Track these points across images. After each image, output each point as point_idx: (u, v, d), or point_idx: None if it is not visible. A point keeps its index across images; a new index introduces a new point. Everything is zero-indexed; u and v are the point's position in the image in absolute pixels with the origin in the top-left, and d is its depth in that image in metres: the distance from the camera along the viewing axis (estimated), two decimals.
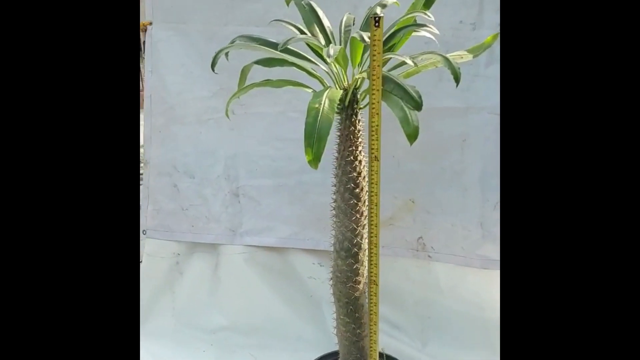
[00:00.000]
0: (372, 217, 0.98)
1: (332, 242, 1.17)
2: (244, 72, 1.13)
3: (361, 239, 1.12)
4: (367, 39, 0.89)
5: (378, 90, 0.91)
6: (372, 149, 0.93)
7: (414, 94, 0.88)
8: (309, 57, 1.08)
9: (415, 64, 0.91)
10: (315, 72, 1.07)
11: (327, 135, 0.91)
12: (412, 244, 1.61)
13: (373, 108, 0.92)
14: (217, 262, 1.67)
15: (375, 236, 1.03)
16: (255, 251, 1.65)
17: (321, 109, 0.91)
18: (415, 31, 1.01)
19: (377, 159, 0.94)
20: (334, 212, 1.15)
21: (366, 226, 1.07)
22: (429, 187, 1.55)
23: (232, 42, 1.12)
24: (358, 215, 1.10)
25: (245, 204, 1.65)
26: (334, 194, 1.14)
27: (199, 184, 1.64)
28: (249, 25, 1.55)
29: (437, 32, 0.97)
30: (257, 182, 1.63)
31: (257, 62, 1.10)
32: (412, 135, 0.86)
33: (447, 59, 0.91)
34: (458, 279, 1.59)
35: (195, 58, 1.60)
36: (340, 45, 1.08)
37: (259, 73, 1.11)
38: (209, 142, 1.62)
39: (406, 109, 0.87)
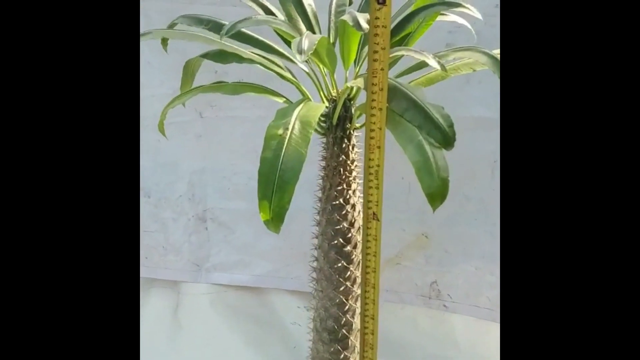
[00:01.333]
0: (367, 293, 0.62)
1: (311, 316, 0.82)
2: (188, 69, 0.78)
3: (352, 317, 0.78)
4: (364, 25, 0.53)
5: (381, 109, 0.55)
6: (370, 202, 0.58)
7: (440, 121, 0.52)
8: (283, 50, 0.72)
9: (443, 67, 0.55)
10: (288, 75, 0.72)
11: (295, 181, 0.56)
12: (423, 289, 1.27)
13: (372, 138, 0.56)
14: (177, 304, 1.34)
15: (372, 319, 0.67)
16: (225, 291, 1.33)
17: (287, 137, 0.56)
18: (442, 13, 0.65)
19: (376, 217, 0.58)
20: (314, 275, 0.80)
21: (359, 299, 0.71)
22: (447, 219, 1.21)
23: (172, 25, 0.77)
24: (349, 284, 0.75)
25: (213, 232, 1.31)
26: (315, 248, 0.79)
27: (155, 205, 1.31)
28: (223, 5, 1.19)
29: (478, 15, 0.61)
30: (230, 204, 1.29)
31: (206, 56, 0.74)
32: (437, 195, 0.51)
33: (496, 60, 0.55)
34: (480, 335, 1.26)
35: (153, 44, 1.24)
36: (328, 33, 0.71)
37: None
38: (170, 153, 1.28)
39: (427, 147, 0.52)
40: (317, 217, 0.78)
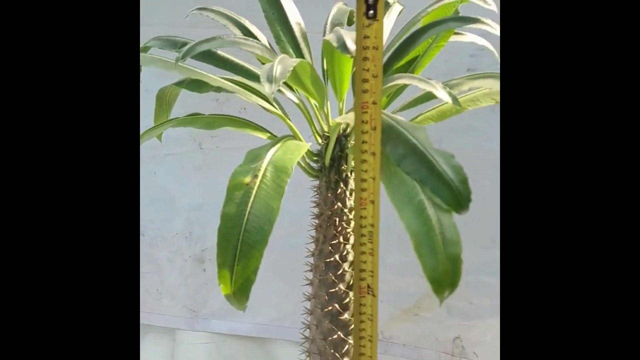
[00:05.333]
0: None
1: None
2: (162, 98, 0.67)
3: None
4: (351, 46, 0.41)
5: (374, 154, 0.43)
6: (362, 271, 0.45)
7: (449, 174, 0.39)
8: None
9: (455, 100, 0.43)
10: (272, 108, 0.60)
11: (263, 245, 0.44)
12: (445, 345, 1.12)
13: (363, 190, 0.43)
14: (172, 354, 1.22)
15: None
16: (224, 341, 1.20)
17: (255, 187, 0.44)
18: (457, 32, 0.52)
19: (372, 292, 0.45)
20: (306, 346, 0.67)
21: None
22: (473, 266, 1.06)
23: (144, 48, 0.67)
24: None
25: (212, 274, 1.19)
26: (309, 314, 0.66)
27: (149, 244, 1.20)
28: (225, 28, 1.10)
29: (497, 31, 0.48)
30: None
31: (181, 84, 0.64)
32: (444, 282, 0.38)
33: None
34: None
35: (150, 69, 1.16)
36: (322, 58, 0.60)
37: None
38: (167, 187, 1.18)
39: (430, 211, 0.39)
40: (310, 276, 0.65)
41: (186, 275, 1.20)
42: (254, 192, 0.44)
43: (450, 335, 1.11)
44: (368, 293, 0.45)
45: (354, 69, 0.51)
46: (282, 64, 0.42)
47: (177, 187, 1.19)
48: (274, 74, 0.42)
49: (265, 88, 0.41)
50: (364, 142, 0.42)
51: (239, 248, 0.43)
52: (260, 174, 0.44)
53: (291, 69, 0.42)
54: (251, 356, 1.20)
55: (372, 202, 0.44)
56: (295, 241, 1.13)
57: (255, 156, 0.46)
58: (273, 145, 0.48)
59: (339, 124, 0.51)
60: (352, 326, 0.61)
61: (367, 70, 0.40)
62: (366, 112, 0.41)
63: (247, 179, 0.44)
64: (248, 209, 0.43)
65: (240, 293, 0.43)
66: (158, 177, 1.20)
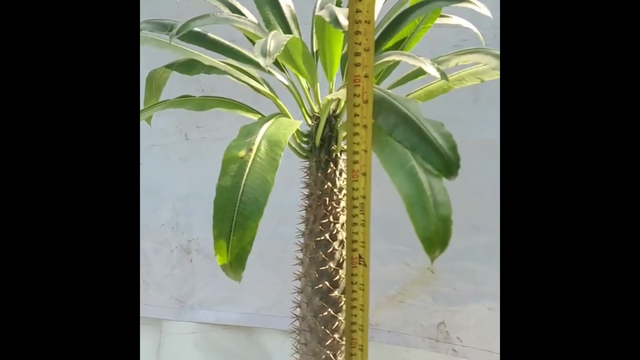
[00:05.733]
0: (353, 357, 0.50)
1: None
2: (152, 81, 0.67)
3: None
4: (343, 21, 0.42)
5: (366, 127, 0.44)
6: (354, 242, 0.46)
7: (439, 141, 0.41)
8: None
9: (443, 75, 0.44)
10: (263, 88, 0.61)
11: (259, 216, 0.45)
12: (430, 330, 1.14)
13: (355, 163, 0.45)
14: (159, 344, 1.22)
15: None
16: (211, 331, 1.20)
17: (250, 160, 0.45)
18: (443, 15, 0.54)
19: (363, 262, 0.46)
20: (297, 324, 0.68)
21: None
22: (456, 252, 1.07)
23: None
24: (337, 337, 0.63)
25: (199, 265, 1.20)
26: (298, 292, 0.67)
27: None
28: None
29: (487, 12, 0.50)
30: None
31: (171, 66, 0.64)
32: (435, 241, 0.39)
33: None
34: None
35: (145, 59, 1.15)
36: (311, 40, 0.61)
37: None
38: (152, 178, 1.18)
39: (422, 175, 0.40)
40: (300, 255, 0.66)
41: (173, 266, 1.20)
42: (248, 165, 0.45)
43: (434, 321, 1.13)
44: (360, 263, 0.46)
45: (345, 47, 0.53)
46: (276, 39, 0.44)
47: (163, 178, 1.19)
48: (267, 48, 0.43)
49: (260, 61, 0.42)
50: (355, 115, 0.44)
51: (235, 219, 0.44)
52: (254, 148, 0.45)
53: (285, 43, 0.43)
54: (238, 345, 1.20)
55: (364, 174, 0.45)
56: (282, 231, 1.14)
57: (249, 131, 0.47)
58: (266, 121, 0.49)
59: (330, 101, 0.52)
60: (343, 303, 0.62)
61: (359, 44, 0.42)
62: (358, 85, 0.43)
63: (242, 153, 0.45)
64: (243, 181, 0.44)
65: (236, 263, 0.44)
66: (144, 167, 1.19)
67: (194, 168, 1.17)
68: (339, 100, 0.55)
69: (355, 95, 0.43)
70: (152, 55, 0.62)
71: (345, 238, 0.48)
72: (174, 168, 1.18)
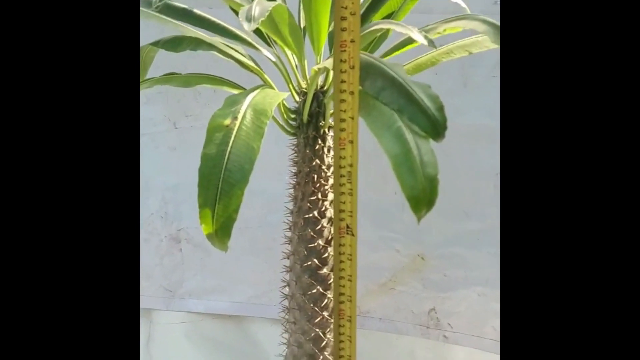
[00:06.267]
0: (341, 328, 0.50)
1: (284, 354, 0.69)
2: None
3: (331, 354, 0.64)
4: None
5: (353, 93, 0.43)
6: (342, 211, 0.45)
7: (426, 102, 0.40)
8: (243, 35, 0.61)
9: (431, 42, 0.44)
10: (250, 63, 0.60)
11: (244, 184, 0.44)
12: (421, 317, 1.14)
13: (342, 130, 0.44)
14: (149, 334, 1.20)
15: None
16: (201, 320, 1.19)
17: (235, 128, 0.44)
18: None
19: (351, 231, 0.46)
20: (286, 304, 0.67)
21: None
22: (446, 239, 1.08)
23: None
24: (326, 314, 0.62)
25: (188, 254, 1.18)
26: (287, 271, 0.67)
27: None
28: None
29: None
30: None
31: (157, 44, 0.63)
32: (422, 199, 0.38)
33: (496, 28, 0.43)
34: None
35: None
36: (298, 14, 0.60)
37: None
38: (141, 167, 1.15)
39: (409, 136, 0.39)
40: (289, 234, 0.65)
41: (162, 255, 1.19)
42: (234, 133, 0.44)
43: (425, 308, 1.13)
44: (347, 233, 0.46)
45: (332, 18, 0.52)
46: (261, 5, 0.43)
47: (152, 167, 1.17)
48: (252, 13, 0.42)
49: (245, 26, 0.41)
50: (342, 81, 0.43)
51: (220, 187, 0.43)
52: (240, 116, 0.44)
53: (270, 9, 0.42)
54: (229, 335, 1.19)
55: (351, 142, 0.44)
56: (271, 219, 1.13)
57: (234, 101, 0.46)
58: (252, 91, 0.48)
59: (317, 73, 0.51)
60: (332, 280, 0.61)
61: (345, 8, 0.41)
62: (344, 50, 0.42)
63: (227, 121, 0.44)
64: (229, 149, 0.44)
65: (222, 232, 0.43)
66: None
67: (182, 157, 1.16)
68: (327, 74, 0.55)
69: (341, 60, 0.42)
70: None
71: (333, 207, 0.47)
72: (163, 157, 1.17)
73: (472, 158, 1.03)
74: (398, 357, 1.17)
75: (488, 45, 0.52)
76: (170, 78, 0.62)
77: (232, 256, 1.17)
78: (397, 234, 1.10)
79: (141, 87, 0.62)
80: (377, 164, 1.11)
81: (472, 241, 1.07)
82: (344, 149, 0.44)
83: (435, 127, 0.40)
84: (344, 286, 0.47)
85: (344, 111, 0.43)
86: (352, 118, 0.43)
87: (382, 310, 1.16)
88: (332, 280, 0.61)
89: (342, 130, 0.44)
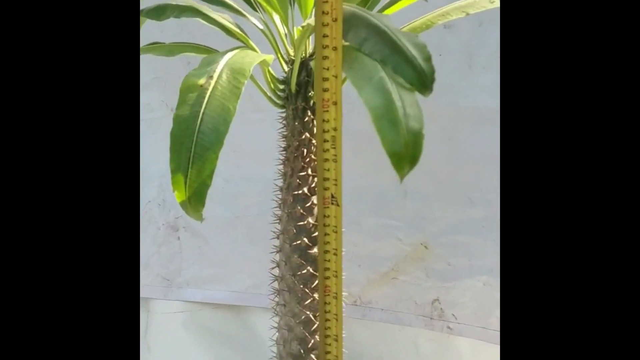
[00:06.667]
0: (327, 306, 0.46)
1: (275, 338, 0.66)
2: None
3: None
4: None
5: (336, 49, 0.40)
6: (326, 180, 0.42)
7: (412, 52, 0.37)
8: (228, 1, 0.58)
9: None
10: (236, 29, 0.57)
11: (219, 147, 0.40)
12: (424, 308, 1.10)
13: (325, 91, 0.40)
14: (146, 324, 1.18)
15: (335, 340, 0.51)
16: (199, 310, 1.16)
17: (210, 88, 0.41)
18: None
19: (335, 201, 0.42)
20: (275, 285, 0.64)
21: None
22: (450, 227, 1.04)
23: None
24: (317, 296, 0.59)
25: (186, 242, 1.16)
26: (276, 251, 0.63)
27: None
28: None
29: None
30: (204, 211, 1.13)
31: (140, 12, 0.60)
32: (404, 155, 0.35)
33: None
34: None
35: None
36: None
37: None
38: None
39: (391, 86, 0.36)
40: (278, 212, 0.62)
41: (160, 244, 1.16)
42: (208, 92, 0.41)
43: (428, 298, 1.09)
44: (332, 203, 0.42)
45: None
46: None
47: (149, 154, 1.14)
48: None
49: None
50: (324, 36, 0.39)
51: (193, 150, 0.40)
52: (215, 76, 0.41)
53: None
54: (227, 324, 1.16)
55: (335, 103, 0.41)
56: (270, 207, 1.10)
57: (210, 60, 0.43)
58: (230, 51, 0.45)
59: (303, 33, 0.48)
60: None
61: None
62: (326, 1, 0.39)
63: (202, 81, 0.41)
64: (202, 109, 0.40)
65: (195, 198, 0.40)
66: None
67: None
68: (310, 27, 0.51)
69: (323, 12, 0.39)
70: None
71: (317, 176, 0.44)
72: (160, 143, 1.14)
73: (476, 142, 0.99)
74: (401, 349, 1.13)
75: (485, 5, 0.48)
76: (154, 47, 0.59)
77: (231, 245, 1.14)
78: (399, 221, 1.06)
79: None
80: (378, 148, 1.08)
81: (477, 229, 1.03)
82: (327, 111, 0.41)
83: (421, 78, 0.36)
84: (329, 260, 0.43)
85: (327, 69, 0.40)
86: (336, 77, 0.40)
87: (384, 300, 1.12)
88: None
89: (325, 90, 0.40)
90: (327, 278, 0.44)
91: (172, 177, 0.41)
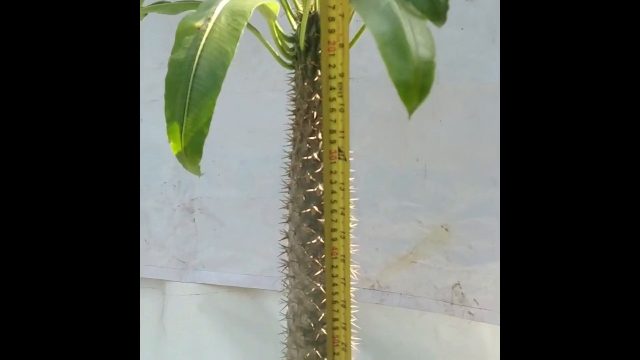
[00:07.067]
0: (334, 269, 0.43)
1: (285, 313, 0.63)
2: None
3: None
4: None
5: None
6: (332, 132, 0.38)
7: None
8: None
9: None
10: None
11: (216, 92, 0.37)
12: (444, 293, 1.05)
13: (331, 32, 0.37)
14: (162, 306, 1.16)
15: (343, 306, 0.47)
16: (215, 292, 1.14)
17: (207, 30, 0.38)
18: None
19: (342, 155, 0.39)
20: (285, 256, 0.61)
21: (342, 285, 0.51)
22: (472, 208, 1.00)
23: None
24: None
25: (201, 225, 1.14)
26: (286, 221, 0.60)
27: None
28: None
29: None
30: (220, 192, 1.11)
31: None
32: (413, 85, 0.31)
33: None
34: None
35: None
36: None
37: None
38: (153, 134, 1.11)
39: (399, 12, 0.32)
40: (287, 178, 0.59)
41: (175, 225, 1.14)
42: (205, 35, 0.38)
43: (449, 282, 1.05)
44: (339, 158, 0.39)
45: None
46: None
47: (164, 134, 1.13)
48: None
49: None
50: None
51: (189, 97, 0.37)
52: (213, 18, 0.38)
53: None
54: (243, 307, 1.14)
55: (342, 46, 0.37)
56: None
57: (209, 3, 0.40)
58: None
59: None
60: None
61: None
62: None
63: (199, 23, 0.38)
64: (199, 53, 0.37)
65: (192, 149, 0.37)
66: (144, 124, 1.12)
67: None
68: None
69: None
70: None
71: (323, 128, 0.40)
72: None
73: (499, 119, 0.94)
74: (420, 335, 1.09)
75: None
76: (157, 7, 0.56)
77: (246, 227, 1.12)
78: (418, 203, 1.02)
79: None
80: (397, 127, 1.04)
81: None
82: (333, 54, 0.37)
83: (434, 6, 0.32)
84: (335, 220, 0.40)
85: (333, 7, 0.36)
86: (342, 16, 0.36)
87: (402, 285, 1.08)
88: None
89: (331, 31, 0.37)
90: (334, 240, 0.41)
91: (167, 127, 0.38)
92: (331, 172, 0.40)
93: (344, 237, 0.40)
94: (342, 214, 0.40)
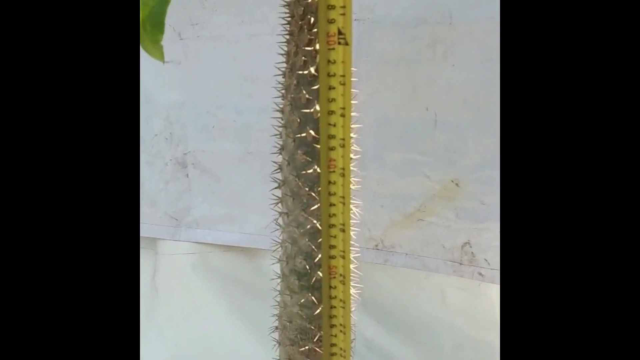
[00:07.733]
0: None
1: (279, 255, 0.56)
2: None
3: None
4: None
5: None
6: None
7: None
8: None
9: None
10: None
11: None
12: (453, 252, 0.99)
13: (330, 22, 0.29)
14: (154, 266, 1.10)
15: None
16: (210, 252, 1.08)
17: None
18: None
19: (344, 39, 0.30)
20: (278, 190, 0.53)
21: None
22: (485, 161, 0.92)
23: None
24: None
25: (195, 180, 1.07)
26: (278, 152, 0.53)
27: None
28: None
29: None
30: (215, 146, 1.04)
31: None
32: None
33: None
34: None
35: None
36: None
37: None
38: (143, 84, 1.04)
39: None
40: (281, 101, 0.51)
41: (167, 180, 1.07)
42: None
43: (458, 241, 0.97)
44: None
45: None
46: None
47: (155, 84, 1.05)
48: None
49: None
50: None
51: None
52: None
53: None
54: (239, 268, 1.07)
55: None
56: None
57: None
58: None
59: None
60: None
61: None
62: None
63: None
64: None
65: (151, 22, 0.29)
66: None
67: (188, 72, 1.03)
68: None
69: None
70: None
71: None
72: (167, 72, 1.04)
73: None
74: (426, 298, 1.03)
75: None
76: None
77: (243, 183, 1.04)
78: (427, 156, 0.94)
79: None
80: (405, 73, 0.96)
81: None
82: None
83: None
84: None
85: None
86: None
87: (408, 244, 1.01)
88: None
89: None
90: (333, 258, 0.33)
91: None
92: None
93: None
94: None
